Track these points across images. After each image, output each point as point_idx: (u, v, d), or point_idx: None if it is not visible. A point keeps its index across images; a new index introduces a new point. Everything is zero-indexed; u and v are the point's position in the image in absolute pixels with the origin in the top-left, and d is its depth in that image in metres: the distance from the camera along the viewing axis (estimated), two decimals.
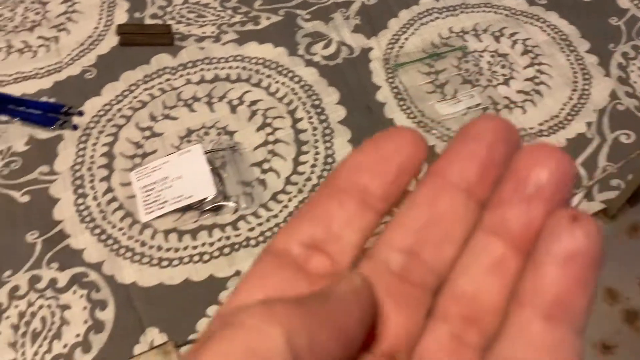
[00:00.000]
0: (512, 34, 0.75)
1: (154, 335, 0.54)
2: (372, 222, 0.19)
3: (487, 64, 0.72)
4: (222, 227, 0.61)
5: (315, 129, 0.67)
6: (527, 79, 0.71)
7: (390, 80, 0.71)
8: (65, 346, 0.54)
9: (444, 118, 0.68)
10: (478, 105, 0.69)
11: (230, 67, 0.73)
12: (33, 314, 0.55)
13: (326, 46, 0.75)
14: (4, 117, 0.69)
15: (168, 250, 0.59)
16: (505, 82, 0.71)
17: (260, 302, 0.16)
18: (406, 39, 0.75)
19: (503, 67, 0.72)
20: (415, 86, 0.71)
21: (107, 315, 0.55)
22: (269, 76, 0.72)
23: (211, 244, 0.59)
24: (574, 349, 0.16)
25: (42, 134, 0.67)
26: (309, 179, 0.64)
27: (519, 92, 0.70)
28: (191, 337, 0.54)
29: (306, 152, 0.66)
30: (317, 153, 0.66)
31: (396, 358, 0.18)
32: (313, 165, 0.65)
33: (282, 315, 0.15)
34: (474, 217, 0.19)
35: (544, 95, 0.70)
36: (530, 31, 0.75)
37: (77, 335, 0.54)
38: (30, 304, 0.56)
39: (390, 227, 0.19)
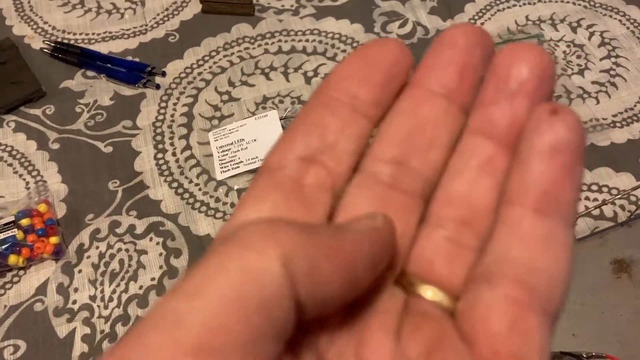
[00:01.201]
0: (590, 26, 0.75)
1: None
2: (365, 129, 0.19)
3: (563, 53, 0.72)
4: None
5: None
6: (602, 71, 0.71)
7: None
8: (140, 287, 0.57)
9: None
10: None
11: (307, 40, 0.75)
12: (112, 256, 0.59)
13: (402, 25, 0.76)
14: (91, 73, 0.72)
15: None
16: (580, 72, 0.71)
17: (266, 220, 0.15)
18: (482, 23, 0.76)
19: (578, 57, 0.72)
20: None
21: (181, 263, 0.58)
22: (344, 51, 0.74)
23: None
24: (565, 240, 0.16)
25: (126, 90, 0.71)
26: None
27: (594, 82, 0.70)
28: None
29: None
30: None
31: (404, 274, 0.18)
32: None
33: (283, 237, 0.14)
34: (457, 121, 0.18)
35: (619, 87, 0.69)
36: (608, 24, 0.75)
37: (153, 279, 0.57)
38: (109, 247, 0.59)
39: (376, 140, 0.19)
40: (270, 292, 0.13)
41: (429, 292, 0.17)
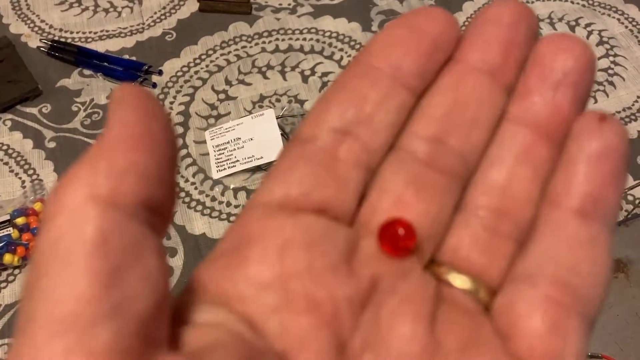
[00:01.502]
0: (588, 24, 0.75)
1: None
2: (406, 102, 0.18)
3: None
4: None
5: None
6: (600, 70, 0.70)
7: None
8: None
9: None
10: None
11: (304, 39, 0.75)
12: None
13: None
14: (88, 71, 0.72)
15: (237, 207, 0.61)
16: None
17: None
18: None
19: None
20: None
21: (177, 262, 0.58)
22: (341, 50, 0.73)
23: None
24: (607, 244, 0.16)
25: None
26: None
27: None
28: None
29: None
30: None
31: (418, 248, 0.17)
32: None
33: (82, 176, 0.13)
34: (499, 100, 0.18)
35: (618, 86, 0.69)
36: (607, 22, 0.75)
37: None
38: None
39: (415, 117, 0.18)
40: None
41: (459, 281, 0.17)
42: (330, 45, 0.74)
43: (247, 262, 0.15)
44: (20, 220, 0.58)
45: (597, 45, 0.73)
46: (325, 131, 0.17)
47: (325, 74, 0.71)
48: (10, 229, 0.57)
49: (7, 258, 0.56)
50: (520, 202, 0.17)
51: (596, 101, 0.68)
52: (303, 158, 0.17)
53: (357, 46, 0.73)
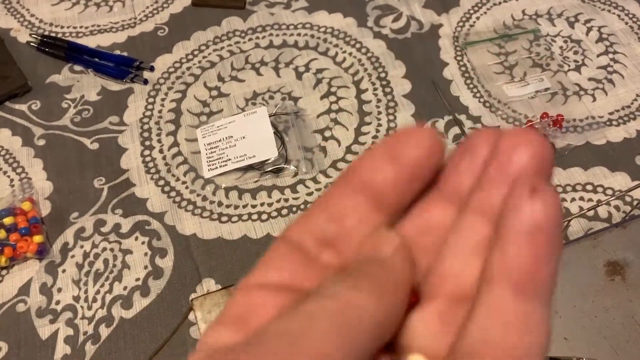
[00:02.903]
0: (588, 21, 0.73)
1: (210, 286, 0.56)
2: (383, 223, 0.19)
3: (559, 49, 0.71)
4: (282, 189, 0.62)
5: (379, 100, 0.67)
6: (599, 67, 0.69)
7: (459, 58, 0.71)
8: (125, 288, 0.56)
9: (511, 100, 0.67)
10: (547, 89, 0.67)
11: (298, 34, 0.73)
12: (96, 255, 0.58)
13: (396, 19, 0.74)
14: (78, 67, 0.71)
15: (228, 206, 0.60)
16: (577, 69, 0.69)
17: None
18: (477, 18, 0.74)
19: (575, 53, 0.70)
20: (483, 66, 0.70)
21: (167, 263, 0.57)
22: (336, 45, 0.72)
23: (270, 205, 0.60)
24: (543, 320, 0.16)
25: (114, 85, 0.69)
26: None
27: (590, 79, 0.68)
28: None
29: (369, 123, 0.66)
30: (379, 125, 0.66)
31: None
32: (375, 137, 0.65)
33: None
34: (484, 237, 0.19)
35: (617, 84, 0.68)
36: (607, 19, 0.73)
37: (137, 280, 0.56)
38: (94, 246, 0.58)
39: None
40: None
41: None
42: (325, 41, 0.73)
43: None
44: (7, 220, 0.57)
45: (597, 42, 0.71)
46: (310, 239, 0.19)
47: (319, 71, 0.70)
48: None
49: None
50: (472, 291, 0.18)
51: (595, 99, 0.67)
52: (290, 255, 0.19)
53: (352, 42, 0.72)
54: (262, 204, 0.61)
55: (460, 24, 0.73)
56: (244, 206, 0.60)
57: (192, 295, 0.55)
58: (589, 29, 0.72)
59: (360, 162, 0.19)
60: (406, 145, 0.18)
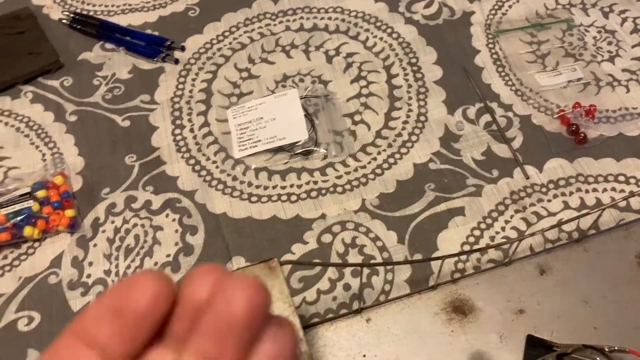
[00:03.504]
0: (623, 11, 0.72)
1: (240, 264, 0.56)
2: None
3: (593, 39, 0.70)
4: (311, 171, 0.62)
5: (410, 86, 0.67)
6: (634, 58, 0.68)
7: (490, 45, 0.70)
8: (156, 264, 0.56)
9: (543, 89, 0.66)
10: (579, 79, 0.67)
11: (329, 18, 0.73)
12: (127, 231, 0.58)
13: (427, 5, 0.74)
14: (110, 45, 0.71)
15: (258, 187, 0.61)
16: (611, 59, 0.68)
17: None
18: (510, 6, 0.73)
19: (609, 43, 0.70)
20: (515, 54, 0.69)
21: (197, 241, 0.57)
22: (367, 30, 0.72)
23: (299, 186, 0.61)
24: None
25: (145, 64, 0.70)
26: (399, 135, 0.64)
27: (624, 70, 0.68)
28: (287, 257, 0.55)
29: (399, 108, 0.66)
30: (410, 110, 0.65)
31: None
32: (405, 122, 0.65)
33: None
34: None
35: None
36: None
37: (168, 256, 0.56)
38: (125, 222, 0.59)
39: None
40: None
41: None
42: (355, 25, 0.72)
43: None
44: (40, 194, 0.58)
45: (632, 33, 0.71)
46: None
47: (350, 55, 0.70)
48: (31, 201, 0.57)
49: (27, 231, 0.56)
50: None
51: (628, 90, 0.66)
52: None
53: (383, 27, 0.72)
54: (291, 186, 0.61)
55: (493, 11, 0.73)
56: (274, 187, 0.61)
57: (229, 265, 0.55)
58: (624, 20, 0.72)
59: (87, 315, 0.19)
60: (130, 297, 0.19)
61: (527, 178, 0.60)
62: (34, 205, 0.57)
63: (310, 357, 0.36)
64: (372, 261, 0.55)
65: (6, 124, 0.66)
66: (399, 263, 0.55)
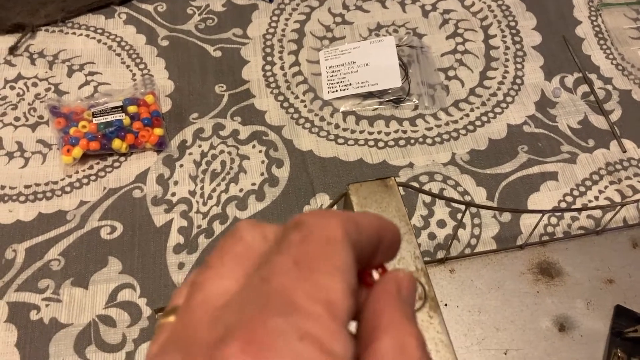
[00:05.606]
0: None
1: (323, 200, 0.55)
2: None
3: None
4: (400, 120, 0.60)
5: (507, 48, 0.65)
6: None
7: (593, 18, 0.68)
8: (241, 190, 0.56)
9: None
10: None
11: None
12: (214, 156, 0.58)
13: None
14: None
15: (345, 130, 0.60)
16: None
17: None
18: None
19: None
20: (618, 28, 0.67)
21: (282, 174, 0.57)
22: None
23: (387, 134, 0.60)
24: None
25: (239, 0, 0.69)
26: (494, 95, 0.62)
27: None
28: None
29: (495, 69, 0.64)
30: (506, 72, 0.64)
31: None
32: (500, 83, 0.63)
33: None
34: None
35: None
36: None
37: (253, 184, 0.56)
38: (212, 147, 0.58)
39: None
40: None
41: None
42: None
43: None
44: (131, 109, 0.58)
45: None
46: None
47: (447, 11, 0.68)
48: (123, 114, 0.57)
49: (116, 143, 0.56)
50: None
51: None
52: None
53: None
54: (379, 132, 0.60)
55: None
56: (361, 132, 0.60)
57: (305, 209, 0.54)
58: None
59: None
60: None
61: (624, 152, 0.58)
62: (125, 119, 0.57)
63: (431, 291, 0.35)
64: (474, 203, 0.54)
65: (99, 41, 0.66)
66: (503, 209, 0.54)
